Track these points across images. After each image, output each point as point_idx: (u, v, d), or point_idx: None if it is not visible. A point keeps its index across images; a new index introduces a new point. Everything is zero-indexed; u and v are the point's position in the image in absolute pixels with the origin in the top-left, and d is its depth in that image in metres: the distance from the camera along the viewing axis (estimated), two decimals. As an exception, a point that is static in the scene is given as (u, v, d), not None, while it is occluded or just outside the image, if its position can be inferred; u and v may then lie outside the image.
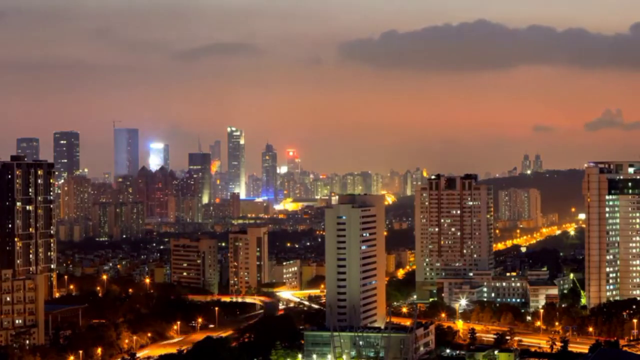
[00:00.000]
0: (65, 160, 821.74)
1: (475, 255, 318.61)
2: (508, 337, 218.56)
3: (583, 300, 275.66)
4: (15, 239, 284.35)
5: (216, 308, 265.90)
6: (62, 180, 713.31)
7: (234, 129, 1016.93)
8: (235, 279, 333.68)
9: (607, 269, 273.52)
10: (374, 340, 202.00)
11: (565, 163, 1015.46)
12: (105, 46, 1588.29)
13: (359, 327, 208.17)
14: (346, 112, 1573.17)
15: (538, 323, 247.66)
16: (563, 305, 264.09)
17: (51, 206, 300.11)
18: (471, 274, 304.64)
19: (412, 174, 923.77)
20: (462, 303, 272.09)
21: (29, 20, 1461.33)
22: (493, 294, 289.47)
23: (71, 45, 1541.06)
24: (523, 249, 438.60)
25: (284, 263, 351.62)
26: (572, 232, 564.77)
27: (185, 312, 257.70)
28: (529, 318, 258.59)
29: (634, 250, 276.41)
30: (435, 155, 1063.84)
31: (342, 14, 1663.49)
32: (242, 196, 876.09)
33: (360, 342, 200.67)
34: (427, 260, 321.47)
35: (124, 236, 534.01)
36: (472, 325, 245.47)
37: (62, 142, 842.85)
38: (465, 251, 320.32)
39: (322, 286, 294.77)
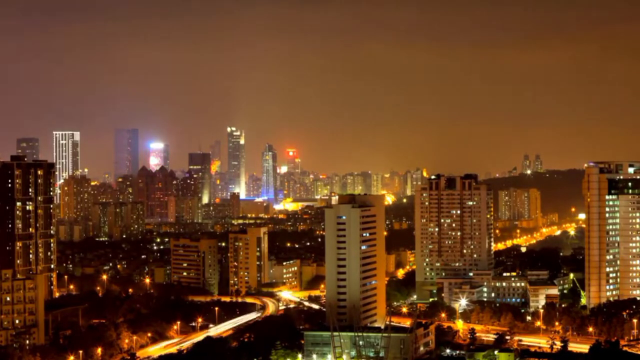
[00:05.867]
0: (65, 160, 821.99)
1: (475, 255, 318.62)
2: (508, 337, 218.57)
3: (583, 300, 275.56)
4: (15, 239, 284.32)
5: (216, 308, 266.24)
6: (62, 180, 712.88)
7: (234, 129, 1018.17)
8: (235, 279, 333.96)
9: (607, 269, 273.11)
10: (374, 340, 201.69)
11: (565, 163, 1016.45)
12: (105, 46, 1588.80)
13: (359, 327, 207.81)
14: (346, 112, 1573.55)
15: (538, 323, 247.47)
16: (563, 305, 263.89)
17: (51, 206, 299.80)
18: (471, 274, 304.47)
19: (412, 174, 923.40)
20: (462, 303, 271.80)
21: (33, 20, 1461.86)
22: (493, 294, 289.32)
23: (71, 45, 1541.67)
24: (523, 249, 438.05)
25: (284, 263, 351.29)
26: (572, 232, 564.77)
27: (185, 312, 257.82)
28: (529, 318, 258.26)
29: (634, 250, 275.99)
30: (435, 155, 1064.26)
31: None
32: (242, 196, 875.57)
33: (360, 342, 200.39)
34: (427, 260, 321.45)
35: (124, 236, 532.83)
36: (472, 325, 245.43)
37: (62, 142, 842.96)
38: (465, 251, 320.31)
39: (322, 286, 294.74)
